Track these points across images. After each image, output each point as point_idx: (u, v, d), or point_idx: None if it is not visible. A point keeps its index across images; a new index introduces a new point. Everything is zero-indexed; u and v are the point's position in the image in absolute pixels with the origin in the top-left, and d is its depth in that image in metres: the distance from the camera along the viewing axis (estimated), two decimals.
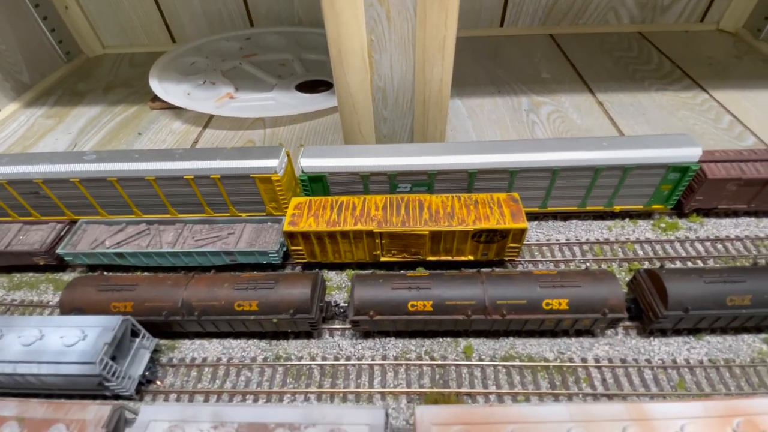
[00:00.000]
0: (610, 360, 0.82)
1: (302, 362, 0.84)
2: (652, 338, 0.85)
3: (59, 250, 0.96)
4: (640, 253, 0.99)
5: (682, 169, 0.92)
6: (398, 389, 0.79)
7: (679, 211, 1.05)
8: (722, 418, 0.60)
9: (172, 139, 1.57)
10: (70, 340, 0.73)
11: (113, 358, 0.76)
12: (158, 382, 0.83)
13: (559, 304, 0.77)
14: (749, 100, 1.59)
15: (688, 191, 0.99)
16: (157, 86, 1.64)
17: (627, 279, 0.92)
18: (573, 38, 2.00)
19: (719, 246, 0.99)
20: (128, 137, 1.59)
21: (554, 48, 1.95)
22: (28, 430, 0.65)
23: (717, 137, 1.43)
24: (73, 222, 1.05)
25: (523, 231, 0.86)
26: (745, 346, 0.83)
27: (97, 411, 0.66)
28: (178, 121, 1.66)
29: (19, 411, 0.67)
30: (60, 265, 1.02)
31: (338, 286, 0.97)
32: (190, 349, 0.88)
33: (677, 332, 0.85)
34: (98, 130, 1.65)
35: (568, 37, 2.01)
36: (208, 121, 1.64)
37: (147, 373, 0.81)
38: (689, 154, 0.91)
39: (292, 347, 0.87)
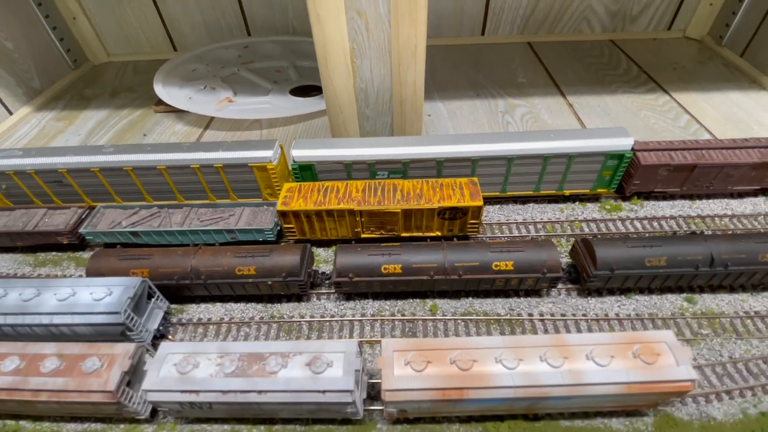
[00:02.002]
0: (552, 314, 1.00)
1: (293, 320, 1.03)
2: (589, 297, 1.03)
3: (82, 230, 1.15)
4: (586, 230, 1.18)
5: (619, 156, 1.12)
6: (373, 339, 0.98)
7: (622, 195, 1.24)
8: (625, 344, 0.79)
9: (175, 139, 1.77)
10: (98, 296, 0.91)
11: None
12: (170, 337, 1.01)
13: (506, 265, 0.96)
14: (707, 101, 1.81)
15: (627, 176, 1.19)
16: (161, 91, 1.85)
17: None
18: (549, 46, 2.22)
19: (655, 224, 1.18)
20: (134, 138, 1.79)
21: (531, 55, 2.17)
22: (66, 363, 0.83)
23: (674, 135, 1.63)
24: (92, 207, 1.24)
25: (479, 208, 1.05)
26: (668, 303, 1.02)
27: (124, 347, 0.84)
28: (180, 123, 1.86)
29: (58, 349, 0.85)
30: (80, 244, 1.21)
31: (325, 260, 1.16)
32: (197, 311, 1.07)
33: (610, 292, 1.04)
34: (106, 132, 1.85)
35: (545, 45, 2.23)
36: (208, 123, 1.84)
37: (161, 328, 0.99)
38: (623, 143, 1.11)
39: (284, 309, 1.06)
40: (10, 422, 0.91)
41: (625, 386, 0.75)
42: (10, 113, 1.96)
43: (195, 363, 0.80)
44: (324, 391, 0.76)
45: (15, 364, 0.82)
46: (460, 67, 2.12)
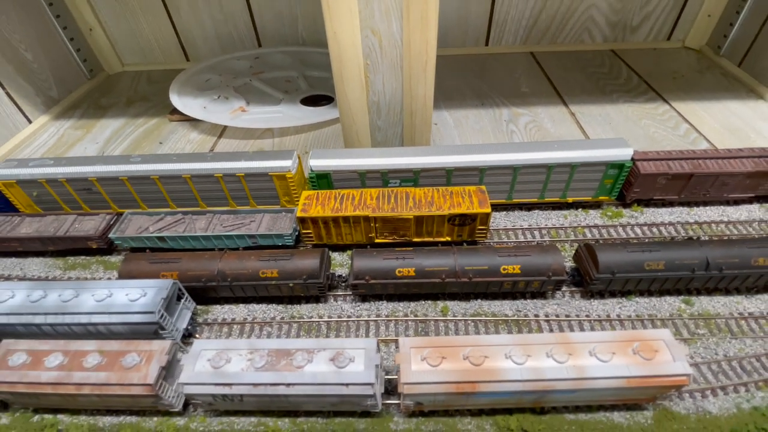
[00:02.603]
0: (557, 315, 1.07)
1: (312, 320, 1.10)
2: (591, 300, 1.11)
3: (111, 235, 1.23)
4: (589, 235, 1.25)
5: (619, 166, 1.20)
6: (389, 338, 1.05)
7: (623, 202, 1.32)
8: (625, 342, 0.86)
9: (190, 147, 1.85)
10: (134, 297, 0.99)
11: None
12: (197, 336, 1.08)
13: (514, 268, 1.03)
14: (706, 110, 1.88)
15: (627, 185, 1.26)
16: (177, 100, 1.93)
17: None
18: (551, 56, 2.31)
19: (654, 230, 1.25)
20: (150, 146, 1.87)
21: (534, 65, 2.26)
22: (108, 359, 0.90)
23: (674, 143, 1.71)
24: (119, 214, 1.31)
25: (487, 215, 1.13)
26: (667, 304, 1.09)
27: (160, 344, 0.91)
28: (194, 131, 1.95)
29: (98, 346, 0.92)
30: (108, 248, 1.29)
31: (341, 264, 1.24)
32: (221, 312, 1.14)
33: (612, 294, 1.11)
34: (123, 140, 1.93)
35: (547, 55, 2.32)
36: (222, 131, 1.93)
37: (189, 327, 1.06)
38: (623, 153, 1.19)
39: (303, 309, 1.13)
40: (48, 416, 0.98)
41: (625, 380, 0.82)
42: (30, 122, 2.04)
43: (227, 358, 0.87)
44: (347, 384, 0.83)
45: (59, 360, 0.90)
46: (466, 76, 2.20)
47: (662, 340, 0.86)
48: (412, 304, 1.12)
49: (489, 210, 1.12)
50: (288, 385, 0.84)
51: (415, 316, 1.09)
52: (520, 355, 0.84)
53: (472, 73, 2.22)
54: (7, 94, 1.93)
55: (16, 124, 1.97)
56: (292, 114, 1.89)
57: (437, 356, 0.84)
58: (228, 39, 2.36)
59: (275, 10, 2.26)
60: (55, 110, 2.14)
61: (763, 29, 1.94)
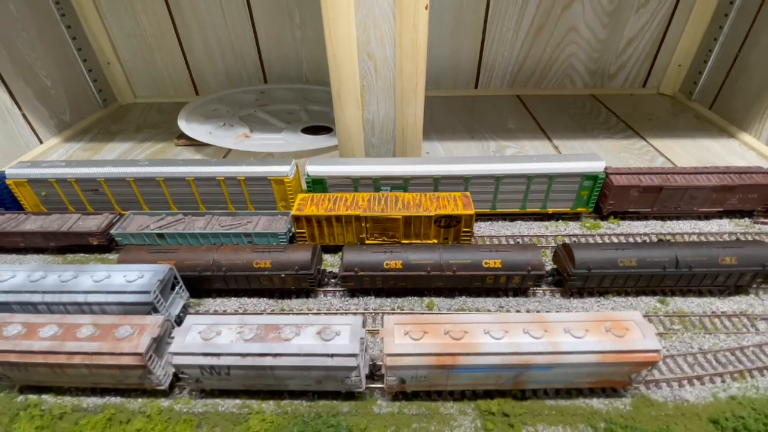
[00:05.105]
0: (537, 312, 1.13)
1: (302, 313, 1.15)
2: (571, 298, 1.17)
3: (113, 231, 1.31)
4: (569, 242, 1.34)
5: (593, 177, 1.32)
6: (375, 329, 1.10)
7: (600, 214, 1.42)
8: (597, 322, 0.92)
9: None
10: (131, 278, 1.05)
11: None
12: None
13: (495, 263, 1.11)
14: (680, 146, 2.05)
15: (602, 197, 1.38)
16: (184, 126, 2.09)
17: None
18: (536, 98, 2.53)
19: (630, 239, 1.35)
20: None
21: (520, 106, 2.47)
22: (101, 330, 0.95)
23: None
24: (121, 214, 1.40)
25: (471, 216, 1.23)
26: (643, 303, 1.16)
27: (154, 318, 0.96)
28: (199, 155, 2.08)
29: (93, 320, 0.97)
30: (108, 246, 1.36)
31: (332, 264, 1.31)
32: (213, 304, 1.19)
33: (590, 293, 1.18)
34: None
35: (532, 98, 2.54)
36: (225, 155, 2.07)
37: (181, 314, 1.11)
38: (596, 166, 1.32)
39: (294, 303, 1.19)
40: (32, 396, 1.00)
41: (599, 355, 0.87)
42: (41, 142, 2.19)
43: (218, 331, 0.92)
44: (332, 355, 0.87)
45: (53, 331, 0.94)
46: (457, 113, 2.40)
47: (632, 320, 0.92)
48: (399, 299, 1.19)
49: (473, 212, 1.22)
50: (275, 355, 0.88)
51: (402, 310, 1.15)
52: (498, 331, 0.90)
53: (462, 112, 2.42)
54: (23, 115, 2.09)
55: (27, 143, 2.11)
56: (292, 141, 2.04)
57: (419, 331, 0.90)
58: (237, 76, 2.59)
59: (282, 53, 2.51)
60: (66, 133, 2.29)
61: (729, 76, 2.17)
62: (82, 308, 1.05)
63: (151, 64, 2.57)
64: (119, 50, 2.52)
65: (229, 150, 2.07)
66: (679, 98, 2.47)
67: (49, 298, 1.05)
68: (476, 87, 2.59)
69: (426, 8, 1.25)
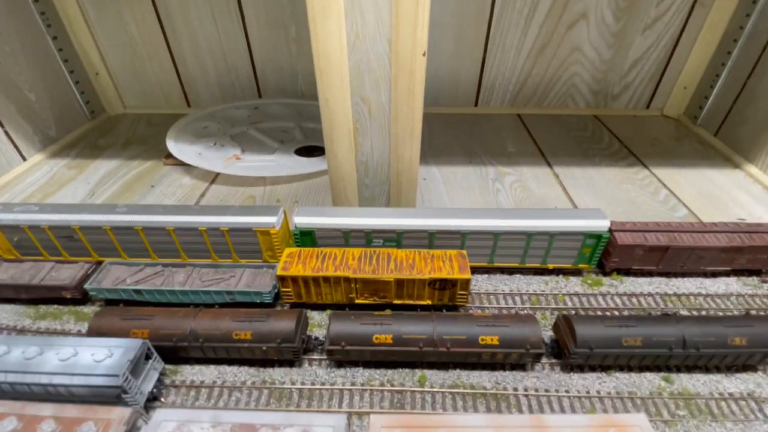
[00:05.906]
0: (536, 390, 1.04)
1: (284, 386, 1.05)
2: (571, 373, 1.07)
3: (86, 286, 1.19)
4: (569, 303, 1.24)
5: (596, 236, 1.21)
6: (362, 410, 1.00)
7: (603, 270, 1.32)
8: (601, 427, 0.82)
9: (181, 192, 1.85)
10: (99, 357, 0.94)
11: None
12: (162, 399, 1.03)
13: (492, 339, 1.01)
14: (684, 177, 1.93)
15: (606, 254, 1.27)
16: (173, 146, 1.95)
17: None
18: (537, 118, 2.39)
19: (634, 300, 1.24)
20: (142, 189, 1.87)
21: (520, 125, 2.33)
22: (62, 427, 0.85)
23: (654, 208, 1.73)
24: (99, 262, 1.28)
25: (467, 281, 1.12)
26: (647, 381, 1.06)
27: (120, 412, 0.86)
28: (187, 176, 1.95)
29: (55, 411, 0.87)
30: (82, 298, 1.25)
31: (319, 324, 1.20)
32: (191, 373, 1.09)
33: (592, 369, 1.08)
34: (115, 182, 1.93)
35: (533, 117, 2.40)
36: (214, 177, 1.93)
37: (155, 390, 1.01)
38: (600, 224, 1.20)
39: (276, 374, 1.08)
40: None
41: None
42: (24, 159, 2.05)
43: (189, 430, 0.82)
44: None
45: (13, 425, 0.84)
46: (456, 133, 2.26)
47: (638, 426, 0.82)
48: (389, 371, 1.08)
49: (469, 276, 1.11)
50: None
51: (392, 385, 1.05)
52: None
53: (461, 131, 2.28)
54: (5, 132, 1.94)
55: (9, 161, 1.98)
56: (284, 164, 1.91)
57: None
58: (230, 88, 2.43)
59: (276, 65, 2.35)
60: (51, 149, 2.15)
61: (736, 104, 2.03)
62: (47, 389, 0.95)
63: (142, 75, 2.41)
64: (108, 61, 2.35)
65: (218, 174, 1.94)
66: (683, 121, 2.33)
67: (12, 378, 0.94)
68: (476, 105, 2.45)
69: (424, 55, 1.11)
